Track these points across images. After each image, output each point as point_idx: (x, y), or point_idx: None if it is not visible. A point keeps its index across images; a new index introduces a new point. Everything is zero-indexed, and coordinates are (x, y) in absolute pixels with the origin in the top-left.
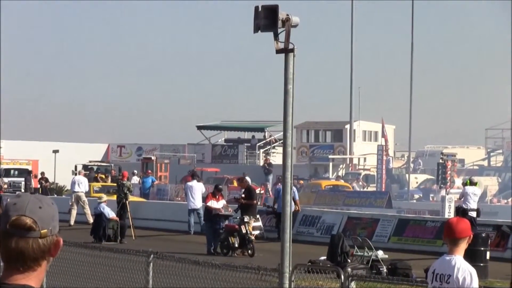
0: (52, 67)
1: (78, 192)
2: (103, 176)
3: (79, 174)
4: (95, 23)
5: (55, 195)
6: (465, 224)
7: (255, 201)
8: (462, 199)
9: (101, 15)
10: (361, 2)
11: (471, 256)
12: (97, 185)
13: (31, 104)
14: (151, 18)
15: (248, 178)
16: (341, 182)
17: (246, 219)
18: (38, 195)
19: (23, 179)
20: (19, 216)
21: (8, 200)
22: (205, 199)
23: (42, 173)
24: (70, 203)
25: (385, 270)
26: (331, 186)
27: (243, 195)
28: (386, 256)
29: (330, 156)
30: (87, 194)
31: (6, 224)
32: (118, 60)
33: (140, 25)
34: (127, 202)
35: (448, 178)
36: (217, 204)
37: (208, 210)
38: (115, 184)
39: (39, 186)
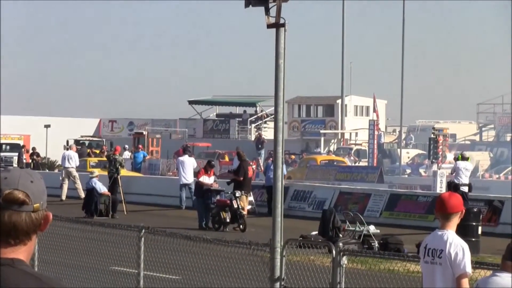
0: (43, 41)
1: (68, 167)
2: (97, 151)
3: (70, 149)
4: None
5: (47, 170)
6: (457, 199)
7: (241, 178)
8: (454, 174)
9: None
10: None
11: (463, 231)
12: (93, 160)
13: (23, 78)
14: None
15: (242, 152)
16: (337, 157)
17: (237, 194)
18: (28, 169)
19: (15, 154)
20: (12, 190)
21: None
22: (197, 174)
23: (34, 148)
24: (61, 178)
25: (376, 245)
26: (327, 161)
27: (234, 169)
28: (378, 231)
29: (322, 131)
30: (84, 168)
31: None
32: (109, 34)
33: (132, 2)
34: (118, 177)
35: (440, 153)
36: (209, 179)
37: (199, 185)
38: (108, 155)
39: (30, 161)
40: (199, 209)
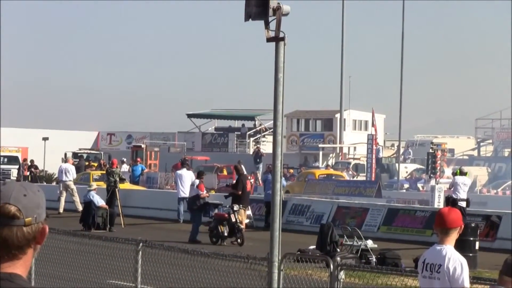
0: (43, 54)
1: (66, 181)
2: (95, 165)
3: (66, 162)
4: (87, 13)
5: (44, 183)
6: (456, 214)
7: (239, 192)
8: (452, 189)
9: (93, 8)
10: None
11: (460, 246)
12: (96, 174)
13: (21, 91)
14: (143, 9)
15: (242, 167)
16: (335, 171)
17: (235, 208)
18: (24, 182)
19: (13, 166)
20: (3, 204)
21: None
22: (197, 187)
23: (32, 161)
24: (59, 191)
25: (374, 260)
26: (325, 175)
27: (233, 184)
28: (376, 245)
29: (320, 145)
30: (87, 181)
31: None
32: (108, 48)
33: (131, 15)
34: (117, 190)
35: (438, 168)
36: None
37: (196, 198)
38: (105, 170)
39: (28, 173)
40: (198, 223)
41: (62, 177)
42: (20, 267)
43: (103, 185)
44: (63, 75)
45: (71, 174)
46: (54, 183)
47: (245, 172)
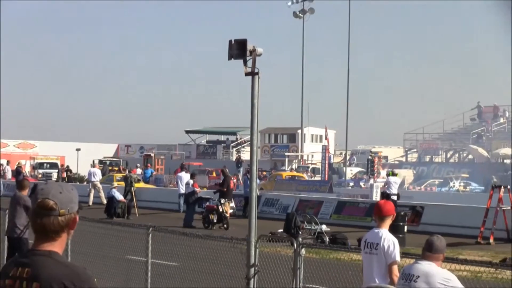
0: (75, 82)
1: (94, 181)
2: (116, 169)
3: (94, 167)
4: (107, 36)
5: (78, 183)
6: (390, 205)
7: (225, 188)
8: (386, 186)
9: (107, 31)
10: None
11: (393, 229)
12: (119, 176)
13: (59, 113)
14: (157, 39)
15: (227, 170)
16: (297, 173)
17: (222, 201)
18: (61, 182)
19: (54, 170)
20: (44, 199)
21: (39, 186)
22: (193, 185)
23: (67, 166)
24: (88, 189)
25: (327, 240)
26: (290, 176)
27: (220, 183)
28: (328, 229)
29: (286, 153)
30: (112, 181)
31: (35, 205)
32: (127, 78)
33: (144, 50)
34: (133, 189)
35: (375, 170)
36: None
37: (192, 194)
38: (124, 174)
39: (65, 176)
40: (192, 212)
41: (91, 178)
42: (57, 246)
43: (122, 184)
44: (91, 100)
45: (98, 176)
46: (85, 183)
47: (229, 174)
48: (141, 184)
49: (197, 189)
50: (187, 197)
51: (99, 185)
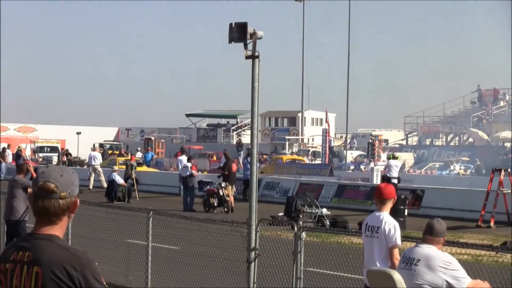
0: (76, 67)
1: (94, 165)
2: (116, 152)
3: (95, 150)
4: (107, 20)
5: (78, 166)
6: (391, 188)
7: (226, 172)
8: (387, 170)
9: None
10: (312, 19)
11: (394, 212)
12: (121, 159)
13: (60, 97)
14: (157, 22)
15: (229, 154)
16: (298, 157)
17: (223, 184)
18: (62, 166)
19: (54, 154)
20: (45, 182)
21: (39, 170)
22: (190, 168)
23: (67, 150)
24: (89, 173)
25: (328, 223)
26: (290, 160)
27: (222, 166)
28: (329, 212)
29: (287, 137)
30: (114, 165)
31: (35, 188)
32: (127, 61)
33: (144, 33)
34: (133, 174)
35: (376, 154)
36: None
37: (190, 177)
38: (129, 158)
39: (65, 159)
40: (192, 196)
41: (91, 162)
42: (57, 230)
43: (123, 167)
44: (92, 84)
45: (98, 159)
46: (85, 167)
47: (231, 157)
48: (144, 168)
49: (195, 172)
50: (186, 180)
51: (100, 169)
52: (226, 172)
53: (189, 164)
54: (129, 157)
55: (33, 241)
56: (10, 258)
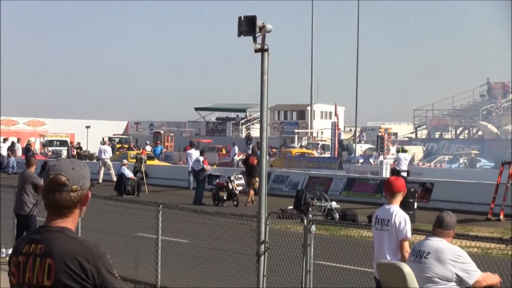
0: (86, 61)
1: (104, 158)
2: (126, 146)
3: (104, 144)
4: (116, 13)
5: (88, 160)
6: (401, 181)
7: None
8: (396, 163)
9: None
10: (320, 16)
11: (403, 205)
12: (132, 153)
13: (69, 90)
14: (166, 15)
15: (254, 146)
16: (307, 150)
17: (232, 178)
18: (73, 159)
19: (64, 148)
20: (56, 175)
21: (50, 163)
22: (203, 162)
23: (78, 143)
24: (99, 167)
25: (337, 217)
26: (300, 153)
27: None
28: (338, 206)
29: (296, 130)
30: (125, 159)
31: (47, 181)
32: (137, 56)
33: (154, 26)
34: (143, 168)
35: (385, 147)
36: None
37: (201, 171)
38: (139, 152)
39: (75, 153)
40: (202, 189)
41: (101, 156)
42: (69, 222)
43: (132, 161)
44: (102, 79)
45: (108, 153)
46: (94, 160)
47: (255, 151)
48: (156, 162)
49: (207, 166)
50: (197, 174)
51: (110, 163)
52: (244, 166)
53: (202, 158)
54: (140, 151)
55: (45, 234)
56: (23, 251)
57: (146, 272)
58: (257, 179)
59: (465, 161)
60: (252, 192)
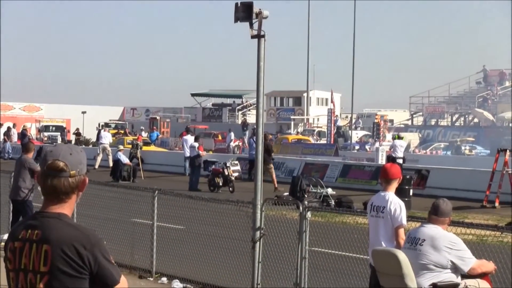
0: (82, 46)
1: (104, 144)
2: (121, 132)
3: (105, 130)
4: (118, 13)
5: (84, 146)
6: (396, 168)
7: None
8: (392, 150)
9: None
10: (317, 2)
11: (399, 192)
12: (129, 139)
13: (65, 76)
14: (164, 15)
15: (267, 135)
16: (303, 136)
17: (228, 164)
18: (70, 144)
19: (59, 133)
20: (54, 160)
21: (47, 148)
22: (198, 148)
23: (77, 129)
24: (98, 152)
25: (333, 203)
26: (296, 140)
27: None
28: (334, 192)
29: (292, 117)
30: (122, 144)
31: (44, 166)
32: (133, 41)
33: (150, 12)
34: (139, 154)
35: (381, 134)
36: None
37: (197, 157)
38: (136, 137)
39: (71, 138)
40: (198, 176)
41: (102, 140)
42: (66, 208)
43: (129, 147)
44: (98, 63)
45: (108, 139)
46: (90, 146)
47: (267, 138)
48: (152, 147)
49: (202, 152)
50: (192, 160)
51: (109, 149)
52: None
53: (196, 144)
54: (136, 137)
55: (42, 220)
56: (19, 237)
57: (141, 258)
58: (270, 165)
59: (466, 148)
60: (273, 177)
